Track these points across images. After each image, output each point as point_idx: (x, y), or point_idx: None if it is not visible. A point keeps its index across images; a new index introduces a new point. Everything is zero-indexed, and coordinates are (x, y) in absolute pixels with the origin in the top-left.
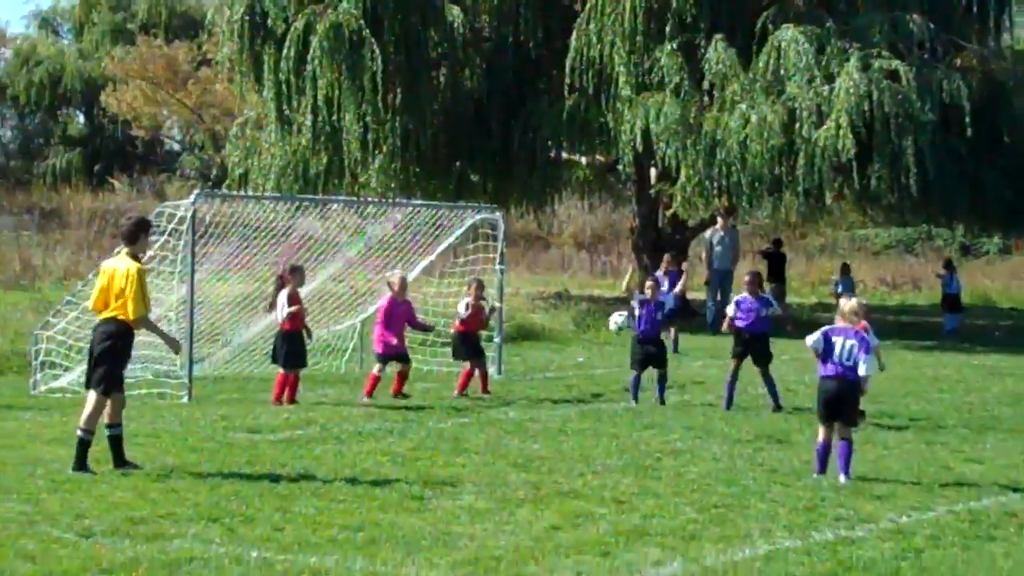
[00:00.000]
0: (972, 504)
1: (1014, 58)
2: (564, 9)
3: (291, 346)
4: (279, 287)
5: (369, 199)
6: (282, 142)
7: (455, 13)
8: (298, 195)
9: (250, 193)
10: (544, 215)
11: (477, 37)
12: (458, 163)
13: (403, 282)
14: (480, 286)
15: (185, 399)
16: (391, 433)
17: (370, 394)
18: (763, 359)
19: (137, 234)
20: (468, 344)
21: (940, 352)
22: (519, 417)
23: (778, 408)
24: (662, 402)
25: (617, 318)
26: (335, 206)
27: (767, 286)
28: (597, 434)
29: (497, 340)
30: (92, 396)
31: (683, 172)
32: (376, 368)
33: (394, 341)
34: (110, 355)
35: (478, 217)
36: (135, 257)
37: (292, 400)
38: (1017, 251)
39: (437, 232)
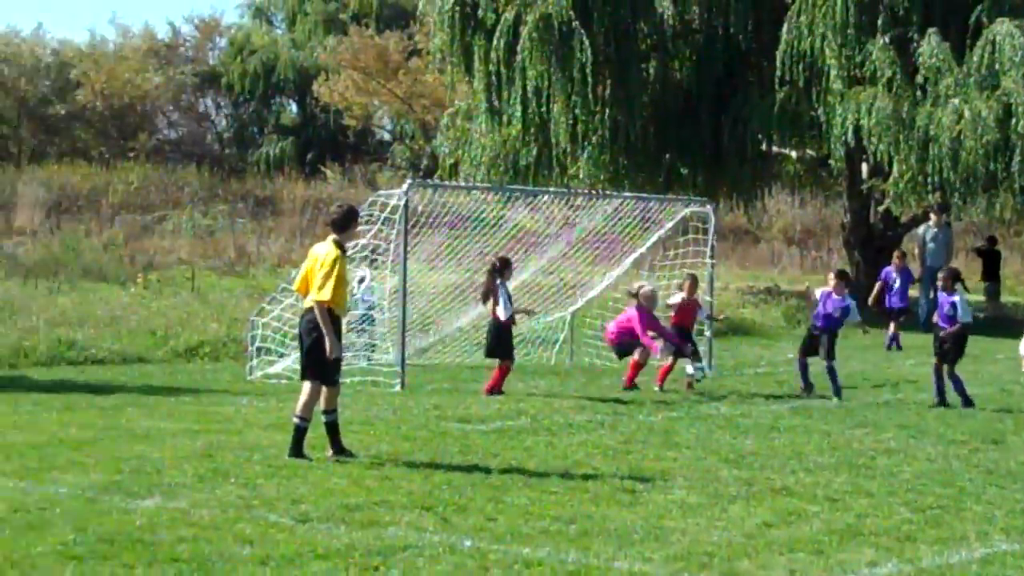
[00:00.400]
0: None
1: None
2: (775, 1)
3: (502, 337)
4: (493, 278)
5: (578, 191)
6: (492, 133)
7: (665, 4)
8: (508, 186)
9: (460, 183)
10: (754, 209)
11: (687, 28)
12: (667, 155)
13: (651, 295)
14: (694, 281)
15: (398, 387)
16: (601, 426)
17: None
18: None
19: (346, 222)
20: (681, 335)
21: None
22: (730, 412)
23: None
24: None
25: None
26: (545, 198)
27: (975, 284)
28: (808, 431)
29: (708, 335)
30: (307, 385)
31: (895, 167)
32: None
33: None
34: (320, 344)
35: (688, 210)
36: (339, 245)
37: (496, 390)
38: None
39: (647, 225)
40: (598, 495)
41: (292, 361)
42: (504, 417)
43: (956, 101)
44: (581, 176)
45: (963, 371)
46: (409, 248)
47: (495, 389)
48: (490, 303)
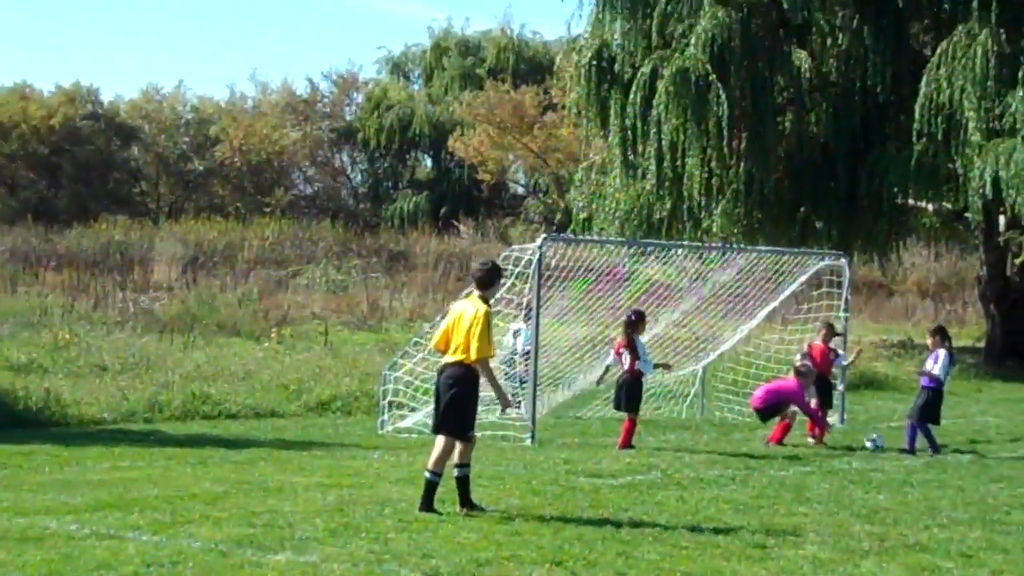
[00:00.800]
0: None
1: None
2: (913, 54)
3: (633, 391)
4: (629, 332)
5: (712, 244)
6: (626, 187)
7: (802, 57)
8: (642, 240)
9: (594, 238)
10: (888, 262)
11: (824, 82)
12: (802, 208)
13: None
14: (830, 329)
15: (528, 442)
16: (732, 480)
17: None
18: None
19: (491, 279)
20: (820, 385)
21: None
22: (862, 467)
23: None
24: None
25: None
26: (678, 251)
27: None
28: (942, 485)
29: (840, 388)
30: (440, 439)
31: None
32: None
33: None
34: (458, 400)
35: (822, 264)
36: (485, 300)
37: (626, 445)
38: None
39: (780, 278)
40: (729, 550)
41: (424, 415)
42: (635, 471)
43: None
44: (715, 230)
45: None
46: (542, 303)
47: (627, 444)
48: (626, 357)
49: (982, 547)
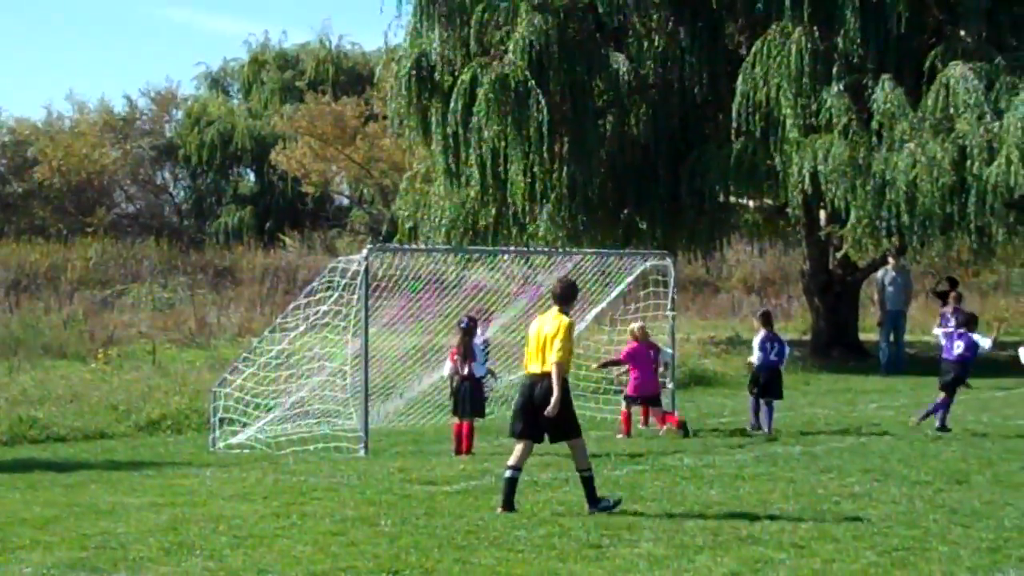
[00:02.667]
0: None
1: None
2: (729, 53)
3: (473, 396)
4: (467, 337)
5: (538, 249)
6: (450, 194)
7: (620, 60)
8: (468, 247)
9: (420, 246)
10: (713, 260)
11: (642, 84)
12: (626, 210)
13: (643, 330)
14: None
15: (362, 452)
16: (566, 482)
17: (628, 433)
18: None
19: (570, 296)
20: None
21: None
22: (694, 463)
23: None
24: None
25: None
26: (504, 257)
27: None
28: (773, 478)
29: (670, 387)
30: (520, 444)
31: (852, 213)
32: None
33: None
34: (560, 406)
35: (648, 264)
36: (565, 314)
37: (468, 450)
38: None
39: (607, 280)
40: (565, 551)
41: (255, 431)
42: (469, 478)
43: (911, 145)
44: (540, 234)
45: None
46: (369, 313)
47: (468, 449)
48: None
49: (813, 537)
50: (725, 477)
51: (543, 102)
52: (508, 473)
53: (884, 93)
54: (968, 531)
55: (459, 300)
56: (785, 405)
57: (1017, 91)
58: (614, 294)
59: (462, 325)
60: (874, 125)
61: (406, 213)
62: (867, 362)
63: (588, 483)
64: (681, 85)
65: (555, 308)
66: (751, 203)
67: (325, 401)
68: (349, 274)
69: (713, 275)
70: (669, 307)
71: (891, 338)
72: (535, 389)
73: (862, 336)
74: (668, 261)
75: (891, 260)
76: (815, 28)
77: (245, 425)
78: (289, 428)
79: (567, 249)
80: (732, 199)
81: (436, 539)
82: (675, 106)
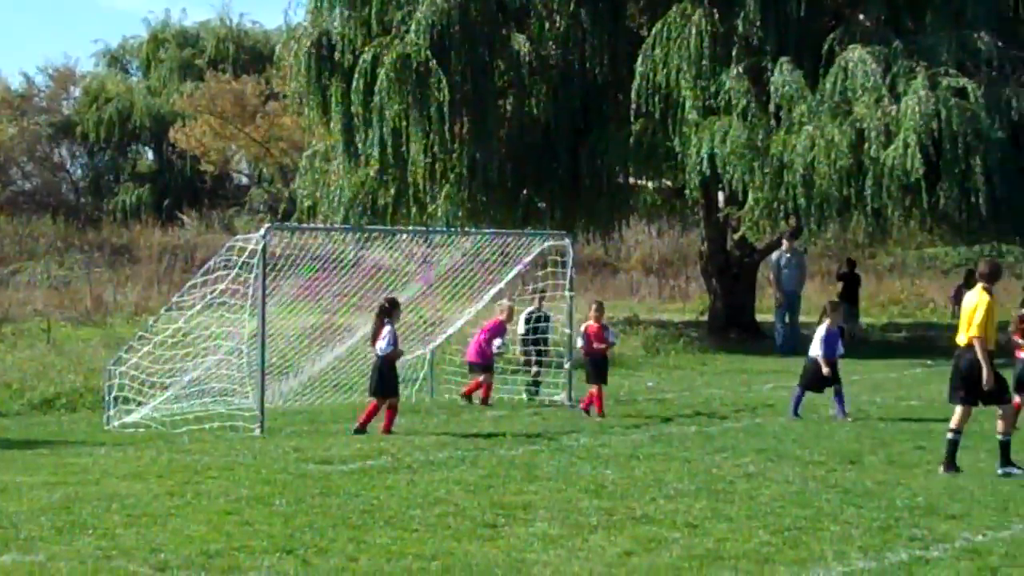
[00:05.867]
0: None
1: None
2: (630, 35)
3: (384, 375)
4: (381, 319)
5: (436, 229)
6: (350, 174)
7: (521, 41)
8: (367, 226)
9: (319, 225)
10: (612, 241)
11: (543, 64)
12: (525, 191)
13: (511, 310)
14: (600, 307)
15: (257, 432)
16: (463, 461)
17: (468, 395)
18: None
19: (995, 275)
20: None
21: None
22: (590, 443)
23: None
24: None
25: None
26: (403, 236)
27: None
28: (669, 458)
29: (567, 366)
30: (958, 408)
31: (750, 195)
32: (482, 377)
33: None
34: (972, 373)
35: (546, 244)
36: (988, 291)
37: (388, 430)
38: None
39: (505, 260)
40: (459, 531)
41: (150, 409)
42: (365, 457)
43: (809, 128)
44: (439, 214)
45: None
46: (268, 292)
47: (384, 428)
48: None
49: (707, 517)
50: (621, 457)
51: (444, 82)
52: (949, 436)
53: (783, 76)
54: (860, 511)
55: (358, 279)
56: (682, 386)
57: (914, 75)
58: (512, 274)
59: (383, 306)
60: (772, 108)
61: (305, 192)
62: (763, 343)
63: (1004, 447)
64: (582, 66)
65: (980, 284)
66: (650, 184)
67: (221, 380)
68: (247, 253)
69: (612, 256)
70: (567, 287)
71: (786, 319)
72: (960, 360)
73: (759, 317)
74: (567, 241)
75: (785, 242)
76: (715, 10)
77: (140, 404)
78: (185, 407)
79: (466, 229)
80: (631, 180)
81: (331, 518)
82: (575, 87)
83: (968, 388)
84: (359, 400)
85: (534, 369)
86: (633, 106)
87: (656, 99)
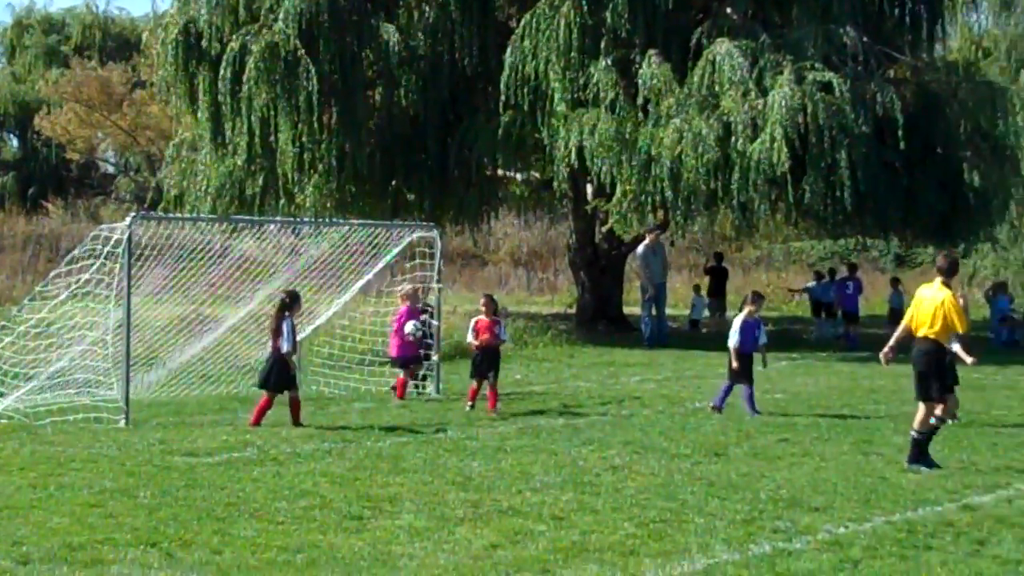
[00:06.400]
0: (909, 514)
1: (946, 69)
2: (499, 26)
3: (278, 370)
4: (281, 312)
5: (304, 219)
6: (218, 163)
7: (390, 31)
8: (234, 216)
9: (186, 215)
10: (480, 232)
11: (412, 55)
12: (394, 181)
13: (415, 291)
14: (491, 300)
15: (122, 423)
16: (329, 454)
17: (402, 396)
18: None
19: (953, 270)
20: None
21: (875, 363)
22: (457, 436)
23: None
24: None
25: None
26: (271, 227)
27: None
28: (536, 451)
29: (435, 358)
30: (921, 406)
31: (618, 188)
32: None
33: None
34: (934, 369)
35: (415, 235)
36: (948, 286)
37: (297, 422)
38: None
39: (374, 251)
40: (325, 524)
41: (13, 400)
42: (231, 449)
43: (677, 121)
44: (308, 205)
45: (684, 384)
46: (133, 282)
47: (257, 422)
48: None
49: (573, 509)
50: (488, 450)
51: (312, 72)
52: (941, 424)
53: (651, 69)
54: (724, 503)
55: (225, 270)
56: (549, 379)
57: (781, 69)
58: (380, 265)
59: (283, 300)
60: (640, 100)
61: (172, 181)
62: (630, 336)
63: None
64: (451, 57)
65: (939, 280)
66: (519, 176)
67: (86, 371)
68: (112, 242)
69: (480, 247)
70: (435, 279)
71: (652, 312)
72: (921, 355)
73: (626, 310)
74: (435, 233)
75: (649, 236)
76: (584, 2)
77: (3, 395)
78: (49, 398)
79: (335, 220)
80: (500, 172)
81: (196, 511)
82: (444, 78)
83: (941, 379)
84: (225, 392)
85: (424, 364)
86: (502, 98)
87: (525, 91)
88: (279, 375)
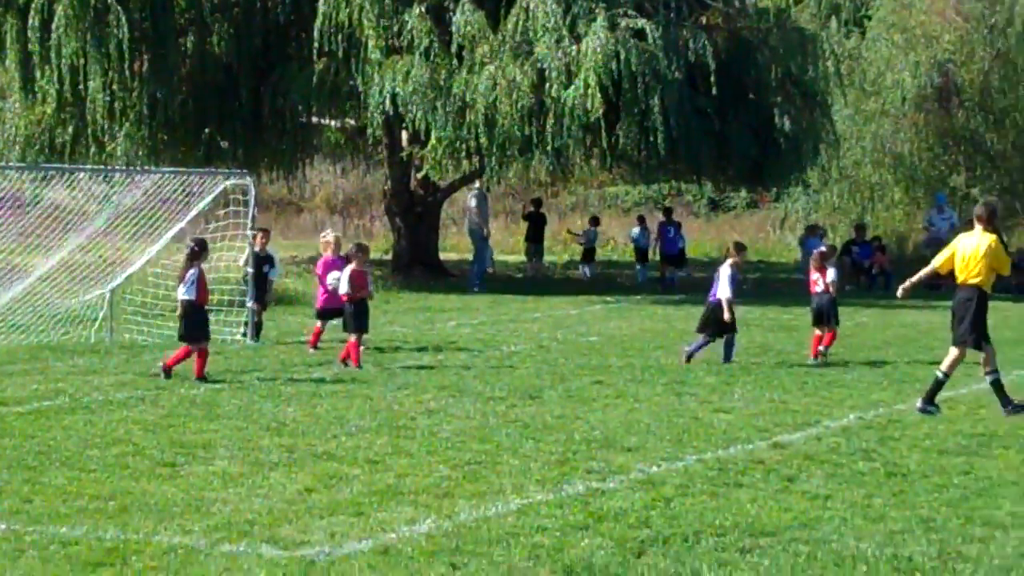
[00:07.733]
0: (720, 453)
1: (758, 16)
2: None
3: (192, 320)
4: (189, 261)
5: (116, 168)
6: (28, 112)
7: None
8: (44, 165)
9: None
10: (295, 180)
11: (225, 2)
12: (207, 129)
13: (337, 241)
14: (360, 249)
15: None
16: (142, 401)
17: (314, 345)
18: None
19: (994, 216)
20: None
21: (690, 305)
22: (272, 382)
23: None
24: None
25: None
26: (82, 175)
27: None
28: (351, 395)
29: (250, 304)
30: (953, 349)
31: (433, 135)
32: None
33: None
34: (972, 316)
35: (228, 183)
36: (989, 231)
37: (201, 375)
38: (763, 205)
39: (187, 199)
40: (138, 470)
41: None
42: (41, 398)
43: (491, 68)
44: (119, 153)
45: (500, 329)
46: None
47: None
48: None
49: (388, 452)
50: (303, 395)
51: (123, 19)
52: (991, 378)
53: (465, 15)
54: (539, 444)
55: (36, 219)
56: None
57: (594, 16)
58: (193, 213)
59: (192, 249)
60: (455, 48)
61: None
62: (446, 281)
63: (997, 386)
64: (264, 4)
65: (979, 227)
66: (333, 123)
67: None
68: None
69: (296, 195)
70: (249, 226)
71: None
72: (956, 299)
73: (442, 256)
74: (248, 180)
75: (478, 182)
76: None
77: None
78: None
79: (147, 168)
80: (314, 119)
81: (5, 460)
82: (258, 25)
83: (977, 328)
84: (36, 341)
85: (256, 308)
86: (316, 45)
87: (339, 38)
88: (196, 325)
